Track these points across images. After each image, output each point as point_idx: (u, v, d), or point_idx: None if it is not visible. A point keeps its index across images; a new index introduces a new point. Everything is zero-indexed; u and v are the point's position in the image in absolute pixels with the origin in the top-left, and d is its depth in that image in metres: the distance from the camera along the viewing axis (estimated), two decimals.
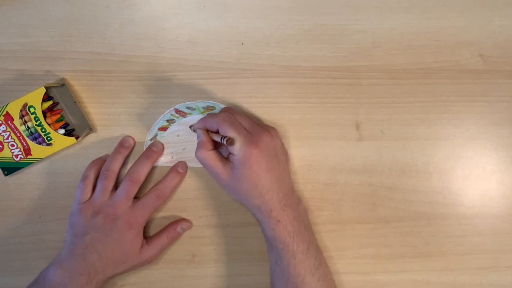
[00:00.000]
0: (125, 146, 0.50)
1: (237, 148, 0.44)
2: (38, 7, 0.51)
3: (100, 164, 0.50)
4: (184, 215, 0.52)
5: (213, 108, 0.51)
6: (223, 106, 0.51)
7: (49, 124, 0.49)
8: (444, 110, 0.52)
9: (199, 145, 0.48)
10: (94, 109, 0.51)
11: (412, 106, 0.52)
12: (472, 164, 0.52)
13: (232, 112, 0.48)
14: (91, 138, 0.52)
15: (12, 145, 0.49)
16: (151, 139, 0.52)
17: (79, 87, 0.51)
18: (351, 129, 0.52)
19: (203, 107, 0.51)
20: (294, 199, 0.48)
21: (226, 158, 0.47)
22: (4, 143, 0.49)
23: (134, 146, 0.51)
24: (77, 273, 0.45)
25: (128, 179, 0.48)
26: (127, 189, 0.48)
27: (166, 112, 0.51)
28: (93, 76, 0.51)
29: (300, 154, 0.52)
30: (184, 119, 0.52)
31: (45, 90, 0.48)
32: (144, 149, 0.52)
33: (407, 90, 0.52)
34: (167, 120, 0.52)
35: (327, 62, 0.52)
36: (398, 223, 0.52)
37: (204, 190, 0.52)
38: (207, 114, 0.51)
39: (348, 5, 0.51)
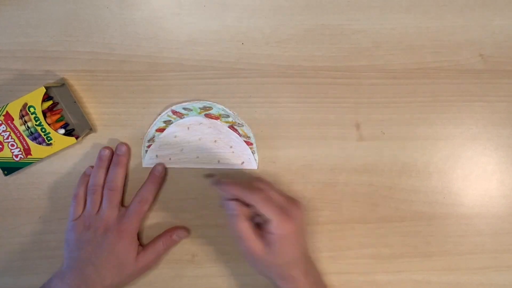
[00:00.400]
0: (102, 159, 0.51)
1: (275, 226, 0.44)
2: (38, 7, 0.51)
3: (88, 179, 0.51)
4: (184, 215, 0.52)
5: (210, 108, 0.51)
6: (220, 106, 0.51)
7: (49, 124, 0.49)
8: (444, 110, 0.52)
9: (235, 216, 0.45)
10: (94, 109, 0.51)
11: (412, 106, 0.52)
12: (472, 164, 0.52)
13: (265, 188, 0.47)
14: (91, 138, 0.52)
15: (12, 145, 0.49)
16: (148, 141, 0.52)
17: (79, 87, 0.51)
18: (351, 129, 0.52)
19: (200, 108, 0.51)
20: (311, 263, 0.48)
21: (259, 232, 0.45)
22: (4, 143, 0.49)
23: (112, 155, 0.52)
24: (76, 286, 0.46)
25: (106, 189, 0.50)
26: (109, 199, 0.49)
27: (163, 113, 0.51)
28: (93, 76, 0.51)
29: (300, 154, 0.52)
30: (181, 120, 0.51)
31: (45, 90, 0.48)
32: (142, 150, 0.52)
33: (407, 90, 0.52)
34: (164, 122, 0.52)
35: (327, 62, 0.52)
36: (398, 223, 0.52)
37: (204, 190, 0.52)
38: (243, 187, 0.47)
39: (348, 5, 0.51)
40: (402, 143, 0.52)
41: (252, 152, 0.52)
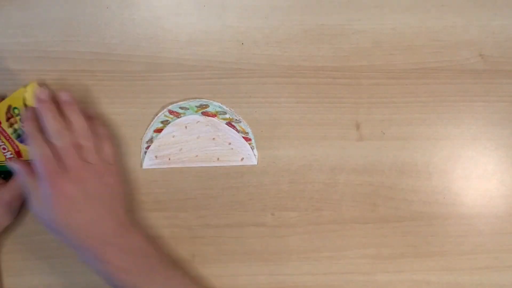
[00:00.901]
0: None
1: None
2: (38, 7, 0.51)
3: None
4: (184, 215, 0.52)
5: (206, 106, 0.52)
6: (216, 103, 0.51)
7: None
8: (444, 110, 0.52)
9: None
10: (93, 109, 0.51)
11: (412, 106, 0.52)
12: (473, 164, 0.52)
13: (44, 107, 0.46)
14: None
15: (4, 148, 0.48)
16: (147, 142, 0.52)
17: (79, 87, 0.51)
18: (351, 129, 0.52)
19: (196, 106, 0.52)
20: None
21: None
22: None
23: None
24: None
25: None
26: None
27: (160, 114, 0.52)
28: (93, 76, 0.51)
29: (300, 154, 0.52)
30: (178, 120, 0.52)
31: (25, 91, 0.47)
32: (142, 152, 0.52)
33: (407, 90, 0.52)
34: (162, 122, 0.52)
35: (327, 62, 0.52)
36: (398, 223, 0.52)
37: (204, 190, 0.52)
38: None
39: (348, 5, 0.51)
40: (402, 143, 0.52)
41: (251, 148, 0.52)
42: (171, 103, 0.51)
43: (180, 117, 0.52)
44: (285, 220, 0.51)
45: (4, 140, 0.48)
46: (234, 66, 0.52)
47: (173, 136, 0.52)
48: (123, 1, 0.51)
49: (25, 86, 0.47)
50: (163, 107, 0.51)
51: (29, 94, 0.48)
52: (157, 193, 0.52)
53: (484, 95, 0.52)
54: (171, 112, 0.52)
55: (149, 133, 0.52)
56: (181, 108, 0.52)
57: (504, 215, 0.52)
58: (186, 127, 0.52)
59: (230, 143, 0.52)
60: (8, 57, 0.51)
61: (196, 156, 0.52)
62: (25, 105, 0.48)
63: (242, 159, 0.52)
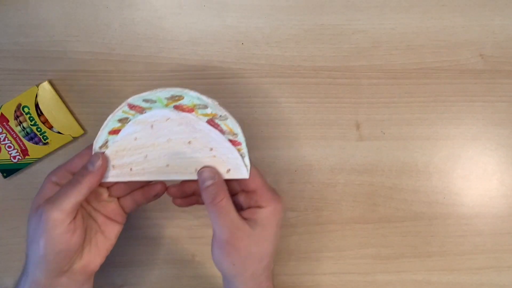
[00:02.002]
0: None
1: (268, 200, 0.38)
2: (38, 7, 0.51)
3: None
4: (184, 215, 0.52)
5: (179, 97, 0.39)
6: (194, 93, 0.38)
7: (43, 123, 0.49)
8: (444, 110, 0.52)
9: (215, 185, 0.38)
10: (93, 109, 0.51)
11: (412, 106, 0.52)
12: (473, 164, 0.52)
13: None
14: (89, 137, 0.52)
15: (9, 147, 0.49)
16: (100, 147, 0.40)
17: (78, 87, 0.51)
18: (351, 129, 0.52)
19: (166, 98, 0.39)
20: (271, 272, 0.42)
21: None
22: (0, 145, 0.49)
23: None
24: None
25: None
26: None
27: (117, 109, 0.39)
28: (92, 76, 0.51)
29: (300, 154, 0.52)
30: (141, 116, 0.39)
31: (37, 89, 0.48)
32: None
33: (407, 90, 0.52)
34: (119, 120, 0.39)
35: (327, 62, 0.52)
36: (398, 223, 0.52)
37: None
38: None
39: (348, 5, 0.51)
40: (402, 143, 0.52)
41: (241, 155, 0.40)
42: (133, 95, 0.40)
43: (145, 112, 0.39)
44: (285, 220, 0.51)
45: (10, 138, 0.48)
46: (234, 66, 0.51)
47: (135, 139, 0.39)
48: (123, 1, 0.51)
49: (37, 85, 0.48)
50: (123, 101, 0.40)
51: (41, 94, 0.48)
52: None
53: (484, 95, 0.52)
54: (131, 106, 0.39)
55: (103, 135, 0.40)
56: (145, 101, 0.39)
57: (504, 215, 0.52)
58: (152, 126, 0.39)
59: (211, 149, 0.40)
60: (8, 57, 0.51)
61: (167, 165, 0.40)
62: (37, 105, 0.48)
63: (229, 170, 0.40)
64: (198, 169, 0.39)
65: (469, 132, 0.52)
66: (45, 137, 0.49)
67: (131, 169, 0.40)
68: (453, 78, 0.52)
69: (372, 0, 0.51)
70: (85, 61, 0.51)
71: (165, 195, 0.51)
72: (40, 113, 0.49)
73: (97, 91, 0.51)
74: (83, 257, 0.40)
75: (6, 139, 0.49)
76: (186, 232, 0.52)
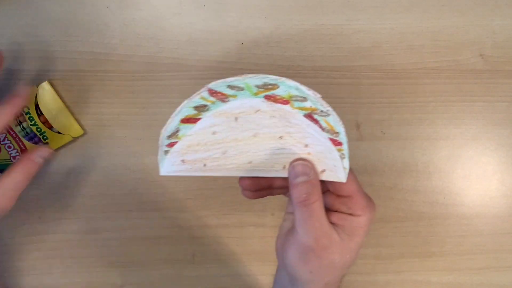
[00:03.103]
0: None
1: (363, 208, 0.35)
2: (38, 7, 0.51)
3: None
4: (184, 215, 0.52)
5: (274, 86, 0.33)
6: (292, 83, 0.34)
7: (43, 123, 0.49)
8: (444, 110, 0.52)
9: (309, 184, 0.34)
10: (93, 109, 0.51)
11: (412, 106, 0.52)
12: (473, 164, 0.52)
13: None
14: (89, 137, 0.52)
15: (9, 147, 0.49)
16: (169, 137, 0.35)
17: (78, 87, 0.51)
18: (351, 129, 0.52)
19: (256, 86, 0.33)
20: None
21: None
22: (0, 145, 0.49)
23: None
24: None
25: None
26: None
27: (194, 94, 0.33)
28: (92, 76, 0.51)
29: None
30: (224, 106, 0.33)
31: (37, 90, 0.48)
32: (160, 151, 0.36)
33: (407, 90, 0.52)
34: (196, 107, 0.34)
35: (327, 62, 0.52)
36: (398, 223, 0.52)
37: (204, 190, 0.52)
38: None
39: (348, 5, 0.51)
40: (402, 143, 0.52)
41: (340, 157, 0.35)
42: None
43: (228, 101, 0.33)
44: None
45: (10, 138, 0.48)
46: (234, 66, 0.51)
47: (214, 133, 0.34)
48: (123, 1, 0.51)
49: (37, 85, 0.48)
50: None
51: (41, 94, 0.48)
52: (157, 193, 0.52)
53: (484, 95, 0.52)
54: (212, 92, 0.33)
55: (174, 123, 0.34)
56: (230, 87, 0.33)
57: (504, 215, 0.52)
58: (237, 119, 0.34)
59: (307, 145, 0.35)
60: (8, 57, 0.51)
61: (249, 162, 0.35)
62: (36, 105, 0.48)
63: (324, 171, 0.35)
64: (286, 166, 0.35)
65: (469, 132, 0.52)
66: (44, 137, 0.49)
67: (204, 165, 0.35)
68: (453, 78, 0.52)
69: (372, 0, 0.51)
70: (85, 61, 0.51)
71: (165, 195, 0.51)
72: (40, 113, 0.49)
73: (97, 91, 0.51)
74: None
75: (6, 139, 0.49)
76: (186, 232, 0.52)
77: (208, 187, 0.52)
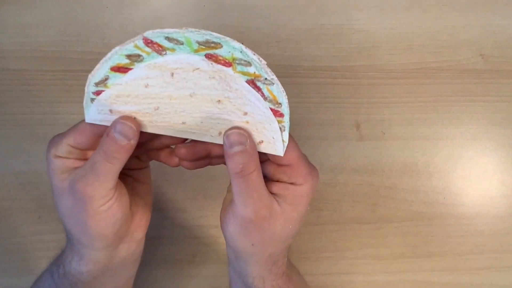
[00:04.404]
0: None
1: (303, 175, 0.33)
2: (37, 7, 0.51)
3: None
4: (184, 215, 0.52)
5: (217, 45, 0.31)
6: (237, 44, 0.31)
7: None
8: (445, 110, 0.52)
9: (241, 159, 0.31)
10: None
11: (412, 106, 0.52)
12: (473, 164, 0.52)
13: None
14: None
15: None
16: (97, 84, 0.32)
17: (78, 87, 0.51)
18: (351, 129, 0.52)
19: (198, 42, 0.30)
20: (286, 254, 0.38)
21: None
22: None
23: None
24: None
25: None
26: None
27: (128, 41, 0.31)
28: None
29: None
30: (160, 59, 0.31)
31: None
32: (86, 97, 0.33)
33: (407, 90, 0.52)
34: (128, 56, 0.31)
35: (327, 62, 0.52)
36: (398, 223, 0.52)
37: (204, 190, 0.52)
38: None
39: (348, 5, 0.51)
40: (402, 143, 0.52)
41: (280, 128, 0.33)
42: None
43: (164, 54, 0.30)
44: None
45: None
46: None
47: (147, 86, 0.31)
48: (123, 1, 0.51)
49: None
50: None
51: None
52: (157, 193, 0.52)
53: (484, 95, 0.52)
54: (148, 42, 0.30)
55: (103, 69, 0.32)
56: (168, 39, 0.30)
57: (504, 215, 0.52)
58: (172, 74, 0.31)
59: (246, 113, 0.32)
60: (8, 57, 0.51)
61: (183, 123, 0.33)
62: None
63: (261, 142, 0.33)
64: (222, 132, 0.32)
65: (469, 132, 0.52)
66: None
67: (134, 119, 0.32)
68: (453, 78, 0.52)
69: (372, 0, 0.51)
70: (85, 61, 0.51)
71: (165, 195, 0.51)
72: None
73: None
74: (133, 214, 0.37)
75: None
76: (186, 232, 0.52)
77: (208, 187, 0.52)
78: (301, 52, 0.52)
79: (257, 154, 0.32)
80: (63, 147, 0.33)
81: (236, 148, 0.31)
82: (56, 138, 0.34)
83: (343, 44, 0.52)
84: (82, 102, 0.33)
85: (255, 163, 0.32)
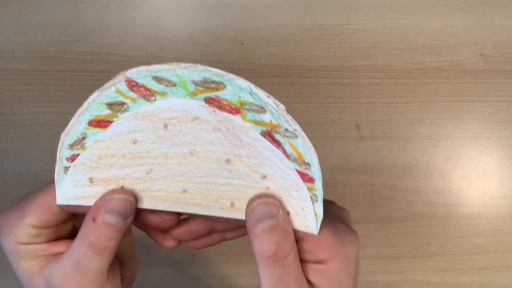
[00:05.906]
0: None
1: (329, 248, 0.25)
2: (37, 7, 0.51)
3: None
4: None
5: (219, 85, 0.24)
6: (245, 83, 0.25)
7: None
8: (445, 110, 0.52)
9: (274, 237, 0.24)
10: None
11: (412, 106, 0.52)
12: (473, 164, 0.52)
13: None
14: None
15: None
16: (72, 145, 0.25)
17: (78, 87, 0.51)
18: (351, 129, 0.52)
19: (194, 81, 0.24)
20: None
21: None
22: None
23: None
24: None
25: None
26: None
27: (107, 83, 0.24)
28: (92, 76, 0.51)
29: None
30: (149, 106, 0.24)
31: None
32: (57, 167, 0.25)
33: (407, 90, 0.52)
34: (109, 105, 0.24)
35: (327, 62, 0.52)
36: (398, 223, 0.52)
37: None
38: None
39: (348, 5, 0.51)
40: (402, 143, 0.52)
41: (311, 198, 0.24)
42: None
43: (154, 100, 0.24)
44: None
45: None
46: (234, 66, 0.51)
47: (135, 141, 0.24)
48: (123, 1, 0.51)
49: None
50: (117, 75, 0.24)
51: None
52: None
53: (485, 95, 0.52)
54: (132, 84, 0.24)
55: (79, 124, 0.24)
56: (156, 79, 0.24)
57: (504, 215, 0.52)
58: (166, 126, 0.24)
59: (265, 176, 0.25)
60: (8, 57, 0.51)
61: (184, 191, 0.25)
62: None
63: (288, 214, 0.25)
64: (236, 203, 0.25)
65: (469, 132, 0.52)
66: None
67: (122, 187, 0.25)
68: (453, 78, 0.52)
69: (372, 0, 0.51)
70: (85, 61, 0.51)
71: None
72: None
73: None
74: (123, 278, 0.31)
75: None
76: None
77: None
78: (301, 52, 0.52)
79: (292, 229, 0.25)
80: (25, 230, 0.27)
81: (267, 224, 0.24)
82: (12, 216, 0.26)
83: (343, 44, 0.52)
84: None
85: (291, 242, 0.24)
